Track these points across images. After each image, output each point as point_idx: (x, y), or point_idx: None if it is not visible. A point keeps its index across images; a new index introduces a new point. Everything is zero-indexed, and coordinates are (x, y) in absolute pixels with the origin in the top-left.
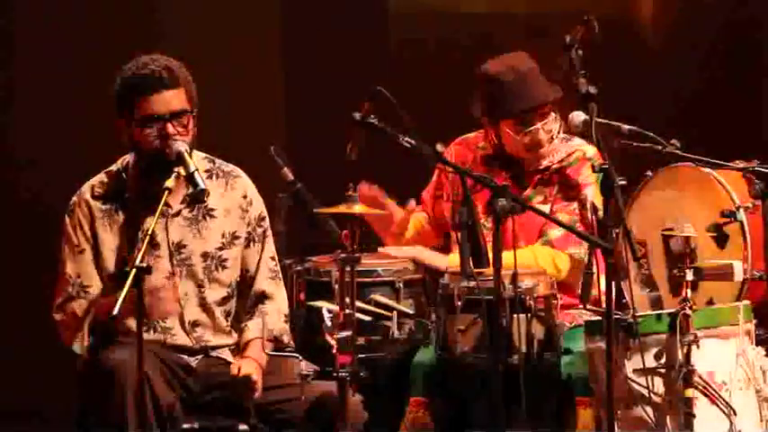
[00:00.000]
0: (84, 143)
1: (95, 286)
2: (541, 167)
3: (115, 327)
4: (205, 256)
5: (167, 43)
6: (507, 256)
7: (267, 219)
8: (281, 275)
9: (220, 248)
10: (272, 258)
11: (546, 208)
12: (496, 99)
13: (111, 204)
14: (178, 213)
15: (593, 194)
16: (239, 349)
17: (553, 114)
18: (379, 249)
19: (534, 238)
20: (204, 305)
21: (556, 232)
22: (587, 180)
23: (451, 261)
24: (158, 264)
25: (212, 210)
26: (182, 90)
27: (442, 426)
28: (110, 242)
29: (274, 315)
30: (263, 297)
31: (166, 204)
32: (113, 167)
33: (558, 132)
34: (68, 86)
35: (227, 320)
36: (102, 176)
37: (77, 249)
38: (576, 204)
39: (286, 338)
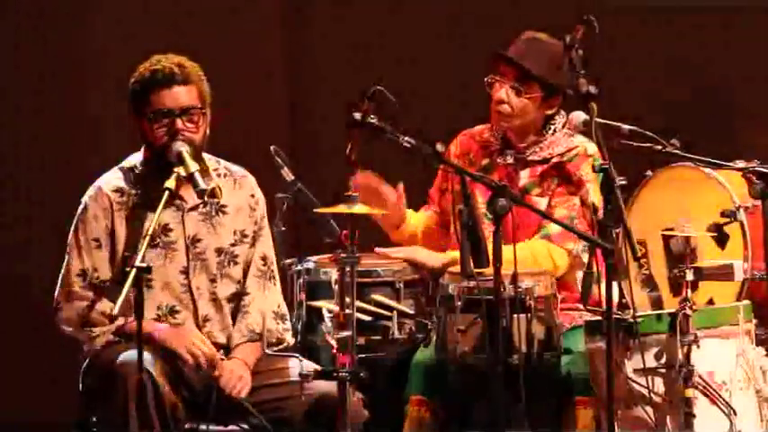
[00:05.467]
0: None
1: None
2: (540, 158)
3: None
4: (219, 251)
5: (167, 42)
6: (506, 252)
7: (266, 218)
8: (273, 275)
9: (233, 244)
10: (263, 258)
11: (544, 201)
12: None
13: (128, 199)
14: (195, 208)
15: (593, 192)
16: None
17: (533, 96)
18: (375, 249)
19: (533, 229)
20: (215, 300)
21: (555, 227)
22: (588, 177)
23: (449, 254)
24: (174, 257)
25: (224, 206)
26: (193, 87)
27: (442, 424)
28: (123, 237)
29: (257, 315)
30: (243, 295)
31: (181, 199)
32: (124, 164)
33: (563, 127)
34: (70, 86)
35: (232, 318)
36: (116, 172)
37: (95, 243)
38: (576, 200)
39: (275, 335)
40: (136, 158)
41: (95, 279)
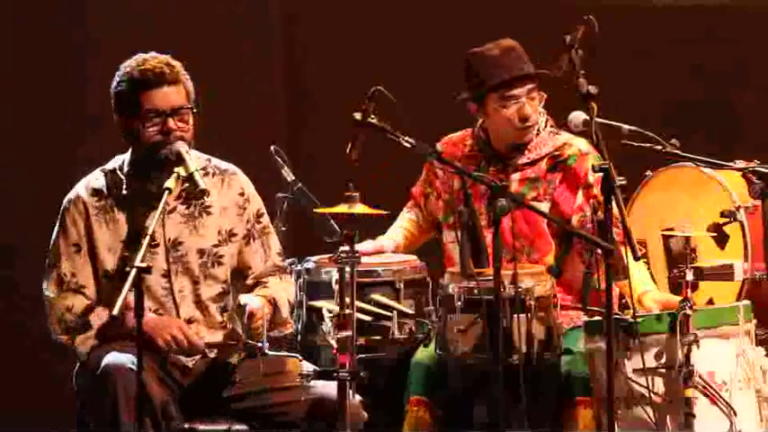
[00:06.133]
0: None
1: (90, 287)
2: (529, 161)
3: (120, 327)
4: (201, 252)
5: (167, 42)
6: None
7: (266, 215)
8: (288, 270)
9: (217, 245)
10: (279, 254)
11: (542, 205)
12: (482, 73)
13: (108, 202)
14: (174, 210)
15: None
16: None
17: (539, 97)
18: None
19: (534, 233)
20: (199, 302)
21: None
22: (593, 179)
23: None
24: (154, 260)
25: (209, 207)
26: (181, 86)
27: (442, 424)
28: (105, 240)
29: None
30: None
31: None
32: (108, 166)
33: (546, 126)
34: (66, 85)
35: (222, 316)
36: (97, 174)
37: (73, 248)
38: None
39: (284, 312)
40: (121, 159)
41: (73, 284)
